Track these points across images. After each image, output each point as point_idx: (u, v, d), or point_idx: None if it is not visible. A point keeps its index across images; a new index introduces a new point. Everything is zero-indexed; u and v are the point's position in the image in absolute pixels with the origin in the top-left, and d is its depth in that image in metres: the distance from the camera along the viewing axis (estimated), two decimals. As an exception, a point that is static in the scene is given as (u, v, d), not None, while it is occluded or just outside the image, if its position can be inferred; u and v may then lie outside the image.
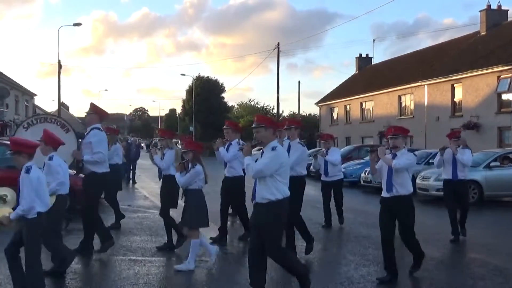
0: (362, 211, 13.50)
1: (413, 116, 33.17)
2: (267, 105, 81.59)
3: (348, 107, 42.96)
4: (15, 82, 44.42)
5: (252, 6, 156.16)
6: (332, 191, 11.32)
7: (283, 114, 69.57)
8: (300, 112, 58.98)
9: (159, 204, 13.50)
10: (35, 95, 50.74)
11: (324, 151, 11.33)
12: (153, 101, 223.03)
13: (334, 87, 49.88)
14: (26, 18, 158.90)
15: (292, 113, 72.63)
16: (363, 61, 47.89)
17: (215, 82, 71.19)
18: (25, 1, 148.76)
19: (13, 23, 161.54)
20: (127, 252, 7.96)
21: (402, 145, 6.75)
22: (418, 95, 32.60)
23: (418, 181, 16.29)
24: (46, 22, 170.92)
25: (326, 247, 8.62)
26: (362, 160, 22.40)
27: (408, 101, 34.44)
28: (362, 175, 19.60)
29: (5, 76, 42.40)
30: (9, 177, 11.32)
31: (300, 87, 49.89)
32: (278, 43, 42.56)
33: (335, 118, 45.67)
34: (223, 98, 71.51)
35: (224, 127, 9.34)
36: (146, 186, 19.88)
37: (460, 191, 9.68)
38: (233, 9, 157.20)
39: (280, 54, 42.14)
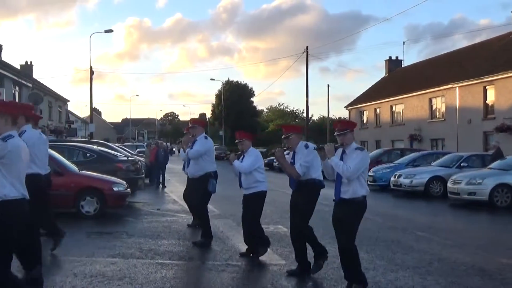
0: (391, 215, 13.35)
1: (445, 119, 32.70)
2: (297, 109, 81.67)
3: (378, 110, 42.58)
4: (49, 88, 45.34)
5: (284, 9, 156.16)
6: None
7: (312, 118, 69.50)
8: (330, 116, 58.61)
9: (187, 208, 13.62)
10: (68, 101, 51.68)
11: (233, 155, 8.13)
12: (184, 105, 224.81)
13: (364, 90, 49.55)
14: (63, 25, 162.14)
15: (321, 116, 72.43)
16: (393, 64, 47.44)
17: (244, 87, 71.48)
18: (62, 9, 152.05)
19: (50, 31, 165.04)
20: (154, 255, 8.03)
21: (352, 141, 6.05)
22: (449, 97, 32.12)
23: (449, 185, 16.06)
24: (82, 29, 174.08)
25: (354, 252, 8.54)
26: (391, 164, 22.18)
27: (439, 104, 33.97)
28: (392, 178, 19.39)
29: (39, 82, 43.32)
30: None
31: (330, 91, 49.67)
32: (307, 46, 42.60)
33: (364, 121, 45.32)
34: (252, 102, 71.72)
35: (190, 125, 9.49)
36: (176, 190, 20.00)
37: None
38: (265, 13, 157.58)
39: (312, 58, 42.16)
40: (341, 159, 5.94)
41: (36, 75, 49.88)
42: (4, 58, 40.43)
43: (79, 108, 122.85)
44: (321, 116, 73.09)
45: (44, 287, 6.08)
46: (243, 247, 8.66)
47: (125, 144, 42.48)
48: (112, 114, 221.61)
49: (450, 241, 9.76)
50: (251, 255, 7.93)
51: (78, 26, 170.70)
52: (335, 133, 6.07)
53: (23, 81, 34.77)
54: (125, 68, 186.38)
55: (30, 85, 36.50)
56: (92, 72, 40.36)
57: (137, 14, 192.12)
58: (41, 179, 7.31)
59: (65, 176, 11.53)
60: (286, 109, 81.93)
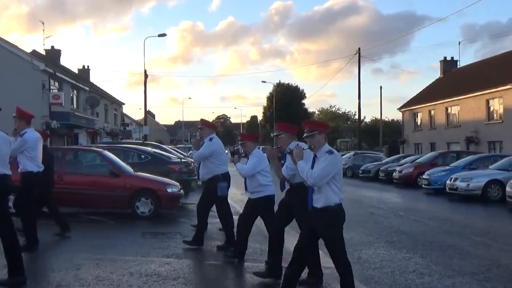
0: (447, 219, 13.03)
1: (502, 121, 31.65)
2: (349, 111, 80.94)
3: (432, 112, 41.65)
4: (105, 92, 46.55)
5: (337, 10, 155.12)
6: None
7: (364, 120, 68.69)
8: (383, 118, 57.76)
9: (240, 209, 13.68)
10: (123, 104, 52.86)
11: (237, 157, 7.95)
12: (235, 108, 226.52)
13: (418, 92, 48.60)
14: (119, 30, 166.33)
15: (374, 118, 71.52)
16: (449, 64, 46.32)
17: (296, 89, 71.38)
18: (118, 15, 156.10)
19: (107, 36, 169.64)
20: (208, 256, 8.11)
21: (322, 143, 5.47)
22: (507, 98, 31.06)
23: (508, 188, 15.52)
24: (137, 33, 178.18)
25: (409, 256, 8.40)
26: (447, 167, 21.65)
27: (497, 105, 32.91)
28: (448, 182, 18.92)
29: (96, 86, 44.55)
30: (97, 182, 11.94)
31: (382, 92, 49.00)
32: (359, 48, 42.25)
33: (418, 123, 44.40)
34: (303, 104, 71.50)
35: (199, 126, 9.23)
36: (229, 192, 20.16)
37: None
38: (318, 15, 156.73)
39: (364, 59, 41.75)
40: (313, 163, 5.43)
41: (93, 79, 51.35)
42: (63, 63, 41.82)
43: (133, 110, 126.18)
44: (374, 118, 72.21)
45: (102, 286, 6.24)
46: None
47: (178, 146, 43.11)
48: (165, 117, 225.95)
49: (510, 247, 9.45)
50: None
51: (133, 30, 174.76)
52: (304, 135, 5.59)
53: (80, 85, 35.83)
54: (178, 71, 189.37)
55: (87, 88, 37.58)
56: (146, 76, 41.25)
57: (190, 18, 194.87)
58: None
59: (121, 177, 11.82)
60: (337, 111, 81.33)
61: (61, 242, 9.12)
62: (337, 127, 70.04)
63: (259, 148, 7.96)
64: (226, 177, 8.69)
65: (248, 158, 7.66)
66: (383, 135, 53.78)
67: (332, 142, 61.17)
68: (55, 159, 12.63)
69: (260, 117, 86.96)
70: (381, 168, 28.09)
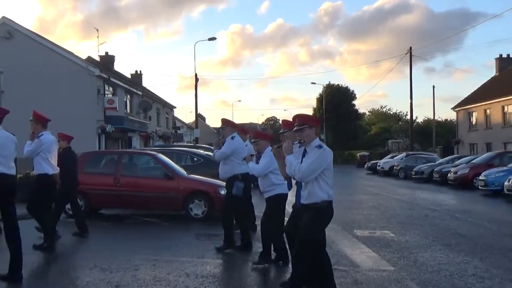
0: (506, 222, 12.63)
1: None
2: (400, 111, 79.59)
3: (488, 111, 40.48)
4: (157, 96, 47.44)
5: (387, 10, 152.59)
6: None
7: (416, 120, 67.41)
8: (436, 118, 56.53)
9: (289, 210, 13.67)
10: (175, 107, 53.74)
11: (249, 156, 8.08)
12: (285, 110, 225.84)
13: (473, 91, 47.33)
14: (170, 35, 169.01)
15: (426, 118, 70.09)
16: (505, 62, 44.95)
17: (346, 90, 70.76)
18: (169, 20, 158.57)
19: (158, 41, 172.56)
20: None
21: (312, 138, 5.36)
22: None
23: None
24: (187, 37, 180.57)
25: (467, 260, 8.18)
26: (504, 168, 20.96)
27: (557, 103, 31.70)
28: (506, 183, 18.32)
29: (148, 90, 45.46)
30: (152, 184, 12.17)
31: (435, 92, 47.90)
32: (411, 47, 41.54)
33: (473, 123, 43.25)
34: (354, 105, 70.80)
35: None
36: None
37: None
38: (367, 15, 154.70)
39: (416, 58, 41.05)
40: (303, 158, 5.35)
41: (145, 83, 52.41)
42: (116, 68, 42.85)
43: (184, 114, 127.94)
44: (426, 118, 70.75)
45: (160, 286, 6.36)
46: (350, 252, 8.59)
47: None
48: (215, 119, 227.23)
49: None
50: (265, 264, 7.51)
51: (184, 35, 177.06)
52: (294, 129, 5.51)
53: (133, 90, 36.64)
54: (228, 74, 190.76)
55: (140, 93, 38.39)
56: (197, 79, 41.77)
57: (240, 21, 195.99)
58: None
59: (175, 179, 12.01)
60: (389, 112, 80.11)
61: (118, 243, 9.34)
62: (388, 128, 68.99)
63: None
64: (245, 177, 8.56)
65: (259, 158, 7.62)
66: (436, 136, 52.63)
67: (383, 143, 60.31)
68: (112, 162, 13.04)
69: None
70: (435, 169, 27.49)
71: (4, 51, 27.22)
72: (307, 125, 5.38)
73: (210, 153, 18.11)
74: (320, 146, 5.25)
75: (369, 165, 40.28)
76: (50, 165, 8.51)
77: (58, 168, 8.73)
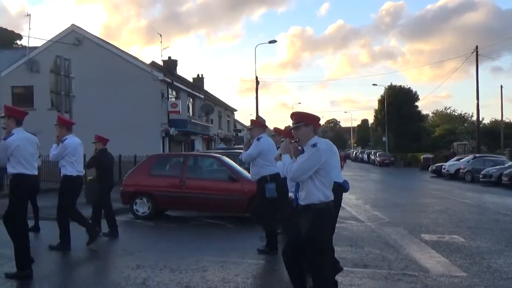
0: None
1: None
2: (465, 113, 77.21)
3: (561, 111, 38.63)
4: (218, 99, 48.02)
5: (451, 8, 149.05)
6: None
7: (483, 122, 65.16)
8: (504, 119, 54.54)
9: (356, 214, 13.54)
10: (236, 110, 54.22)
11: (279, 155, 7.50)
12: (345, 112, 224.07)
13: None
14: (231, 39, 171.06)
15: (493, 120, 67.72)
16: None
17: (408, 91, 69.34)
18: (230, 23, 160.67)
19: (219, 45, 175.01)
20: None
21: (309, 136, 5.12)
22: None
23: None
24: (248, 41, 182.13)
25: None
26: None
27: None
28: None
29: (210, 94, 46.07)
30: (216, 187, 12.31)
31: (503, 92, 46.25)
32: (477, 46, 40.32)
33: (545, 124, 41.38)
34: (416, 106, 69.27)
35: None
36: (343, 196, 19.97)
37: None
38: (431, 14, 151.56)
39: (482, 57, 39.87)
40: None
41: (207, 87, 53.07)
42: (179, 73, 43.66)
43: (244, 117, 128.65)
44: (493, 120, 68.28)
45: (228, 287, 6.42)
46: (419, 256, 8.41)
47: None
48: (275, 122, 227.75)
49: None
50: None
51: (244, 38, 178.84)
52: (291, 127, 5.31)
53: (196, 93, 37.22)
54: (288, 77, 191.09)
55: (202, 96, 38.96)
56: (257, 82, 42.02)
57: (300, 23, 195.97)
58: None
59: (239, 182, 12.10)
60: (453, 113, 77.82)
61: (185, 244, 9.50)
62: (453, 130, 67.05)
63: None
64: (274, 178, 8.40)
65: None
66: (505, 137, 50.72)
67: (448, 145, 58.62)
68: (177, 165, 13.29)
69: (371, 120, 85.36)
70: (504, 172, 26.47)
71: (74, 58, 28.16)
72: (303, 123, 5.15)
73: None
74: (314, 145, 5.02)
75: (434, 168, 39.22)
76: (74, 167, 8.75)
77: (84, 171, 9.03)
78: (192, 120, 34.30)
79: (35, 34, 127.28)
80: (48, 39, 29.59)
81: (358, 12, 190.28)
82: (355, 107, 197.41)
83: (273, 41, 43.09)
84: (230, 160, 13.29)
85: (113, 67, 28.72)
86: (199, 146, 36.62)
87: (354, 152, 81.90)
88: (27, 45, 32.71)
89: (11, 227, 6.68)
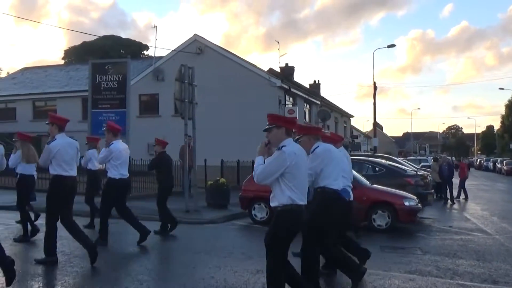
0: None
1: None
2: None
3: None
4: (335, 105, 47.72)
5: None
6: None
7: None
8: None
9: (482, 226, 12.83)
10: (352, 116, 53.56)
11: None
12: (468, 118, 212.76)
13: None
14: (348, 44, 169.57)
15: None
16: None
17: (540, 95, 64.54)
18: (347, 28, 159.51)
19: (336, 50, 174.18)
20: (453, 275, 7.68)
21: (280, 139, 5.08)
22: None
23: None
24: (365, 45, 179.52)
25: None
26: None
27: None
28: None
29: (327, 100, 45.92)
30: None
31: None
32: None
33: None
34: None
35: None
36: (467, 207, 19.02)
37: None
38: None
39: None
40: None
41: (323, 93, 53.00)
42: (296, 79, 43.96)
43: (361, 123, 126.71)
44: None
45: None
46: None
47: (407, 158, 42.09)
48: (393, 128, 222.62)
49: None
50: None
51: (362, 43, 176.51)
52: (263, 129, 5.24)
53: (312, 99, 37.24)
54: (407, 82, 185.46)
55: (319, 102, 38.89)
56: (375, 88, 41.16)
57: (421, 26, 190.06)
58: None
59: (357, 189, 11.84)
60: None
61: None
62: None
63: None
64: None
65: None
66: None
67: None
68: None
69: (497, 126, 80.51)
70: None
71: (196, 66, 29.34)
72: (274, 125, 5.13)
73: (392, 163, 17.73)
74: (280, 148, 4.97)
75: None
76: (117, 171, 9.26)
77: (127, 174, 9.55)
78: (309, 126, 34.28)
79: (161, 45, 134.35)
80: (172, 49, 31.10)
81: (484, 13, 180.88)
82: (479, 112, 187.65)
83: (392, 45, 41.91)
84: (348, 167, 13.10)
85: (232, 75, 29.51)
86: (315, 152, 36.49)
87: (478, 160, 77.52)
88: (153, 55, 34.60)
89: (61, 223, 7.62)
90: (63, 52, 55.11)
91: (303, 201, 5.04)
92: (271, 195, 5.14)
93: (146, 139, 28.76)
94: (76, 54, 51.03)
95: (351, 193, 7.32)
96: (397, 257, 8.89)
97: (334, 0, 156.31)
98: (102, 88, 19.82)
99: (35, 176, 10.16)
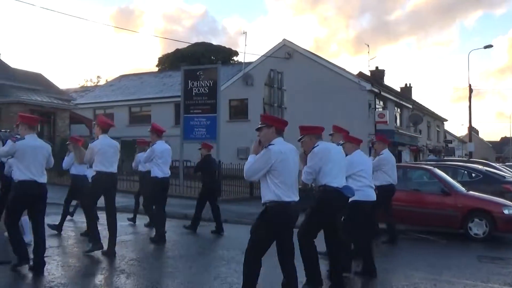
0: None
1: None
2: None
3: None
4: (427, 108, 46.25)
5: None
6: None
7: None
8: None
9: None
10: (446, 120, 51.70)
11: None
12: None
13: None
14: (442, 45, 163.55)
15: None
16: None
17: None
18: (441, 28, 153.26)
19: (429, 52, 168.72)
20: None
21: (270, 138, 5.22)
22: None
23: None
24: (461, 46, 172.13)
25: None
26: None
27: None
28: None
29: (418, 103, 44.61)
30: (427, 200, 11.80)
31: None
32: None
33: None
34: None
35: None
36: None
37: None
38: None
39: None
40: None
41: (415, 96, 51.53)
42: (386, 82, 43.06)
43: (455, 127, 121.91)
44: None
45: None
46: None
47: (506, 164, 40.00)
48: (490, 132, 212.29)
49: None
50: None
51: (457, 44, 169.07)
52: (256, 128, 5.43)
53: (403, 103, 36.32)
54: (507, 84, 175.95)
55: (410, 106, 37.86)
56: (470, 90, 39.53)
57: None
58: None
59: (452, 196, 11.46)
60: None
61: (398, 259, 9.23)
62: None
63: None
64: None
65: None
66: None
67: None
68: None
69: None
70: None
71: (285, 71, 29.52)
72: (265, 124, 5.29)
73: (490, 169, 16.89)
74: (266, 146, 5.12)
75: None
76: (160, 169, 9.74)
77: (169, 173, 9.96)
78: (400, 131, 33.50)
79: (250, 50, 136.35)
80: (261, 54, 31.46)
81: None
82: None
83: (489, 46, 40.01)
84: (443, 173, 12.65)
85: (321, 79, 29.40)
86: (406, 157, 35.58)
87: None
88: (242, 61, 35.16)
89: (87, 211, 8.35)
90: (157, 59, 57.11)
91: (290, 198, 5.14)
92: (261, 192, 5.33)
93: (236, 143, 29.29)
94: (169, 61, 52.71)
95: (373, 193, 7.42)
96: (496, 268, 8.44)
97: (427, 0, 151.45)
98: (193, 94, 20.39)
99: (87, 176, 10.65)
